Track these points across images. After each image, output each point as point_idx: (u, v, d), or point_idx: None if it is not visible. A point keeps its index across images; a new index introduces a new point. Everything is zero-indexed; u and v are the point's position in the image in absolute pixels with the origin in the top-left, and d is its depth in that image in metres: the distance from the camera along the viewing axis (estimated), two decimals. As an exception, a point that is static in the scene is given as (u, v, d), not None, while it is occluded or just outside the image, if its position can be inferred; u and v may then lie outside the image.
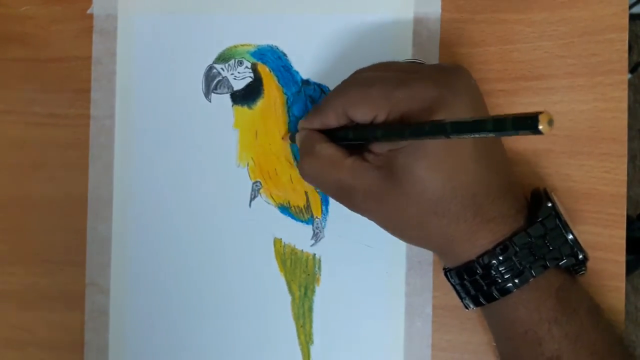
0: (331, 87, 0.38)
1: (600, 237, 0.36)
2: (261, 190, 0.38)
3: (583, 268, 0.32)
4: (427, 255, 0.37)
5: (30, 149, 0.40)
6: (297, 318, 0.38)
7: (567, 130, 0.36)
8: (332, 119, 0.32)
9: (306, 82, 0.38)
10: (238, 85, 0.38)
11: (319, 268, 0.38)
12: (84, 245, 0.40)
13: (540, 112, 0.19)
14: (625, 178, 0.36)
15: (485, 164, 0.30)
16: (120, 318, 0.39)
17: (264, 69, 0.38)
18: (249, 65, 0.38)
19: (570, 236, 0.30)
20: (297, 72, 0.38)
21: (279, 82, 0.38)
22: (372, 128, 0.30)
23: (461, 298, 0.33)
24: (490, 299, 0.31)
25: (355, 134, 0.31)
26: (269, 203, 0.38)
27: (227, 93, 0.39)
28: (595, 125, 0.36)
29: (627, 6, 0.36)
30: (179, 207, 0.39)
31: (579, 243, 0.31)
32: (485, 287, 0.31)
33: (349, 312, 0.38)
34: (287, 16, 0.38)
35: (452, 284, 0.33)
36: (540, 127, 0.19)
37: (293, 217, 0.38)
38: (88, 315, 0.39)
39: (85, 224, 0.40)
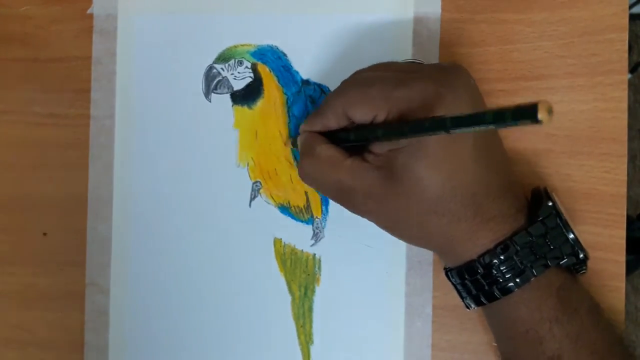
0: (331, 87, 0.38)
1: (600, 237, 0.36)
2: (261, 190, 0.38)
3: (584, 267, 0.32)
4: (427, 255, 0.37)
5: (30, 149, 0.40)
6: (297, 318, 0.38)
7: (567, 130, 0.36)
8: (332, 120, 0.32)
9: (306, 82, 0.38)
10: (238, 85, 0.38)
11: (319, 268, 0.38)
12: (84, 245, 0.40)
13: (539, 102, 0.19)
14: (626, 178, 0.36)
15: (485, 163, 0.30)
16: (120, 318, 0.39)
17: (264, 69, 0.38)
18: (249, 65, 0.38)
19: (571, 235, 0.31)
20: (297, 72, 0.38)
21: (279, 82, 0.38)
22: (372, 128, 0.30)
23: (462, 298, 0.33)
24: (491, 298, 0.31)
25: (356, 135, 0.31)
26: (269, 203, 0.38)
27: (227, 93, 0.39)
28: (595, 125, 0.36)
29: (627, 6, 0.36)
30: (179, 207, 0.39)
31: (579, 242, 0.31)
32: (486, 287, 0.31)
33: (349, 312, 0.38)
34: (287, 16, 0.38)
35: (453, 283, 0.33)
36: (540, 116, 0.19)
37: (293, 217, 0.38)
38: (88, 315, 0.39)
39: (85, 224, 0.40)
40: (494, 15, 0.37)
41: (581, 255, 0.31)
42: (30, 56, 0.40)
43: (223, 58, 0.39)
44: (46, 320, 0.40)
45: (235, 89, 0.39)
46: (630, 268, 0.37)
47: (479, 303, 0.32)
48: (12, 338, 0.40)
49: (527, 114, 0.20)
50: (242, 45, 0.39)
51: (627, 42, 0.36)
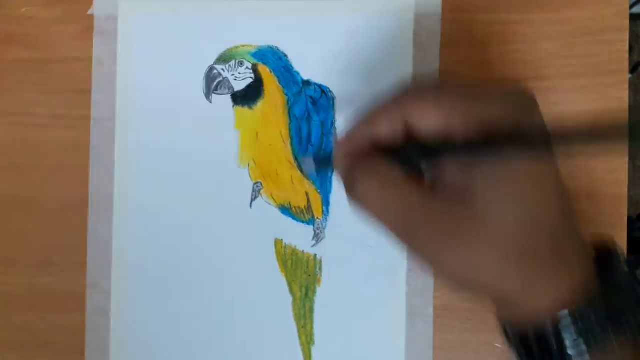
0: (332, 88, 0.38)
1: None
2: (262, 191, 0.38)
3: None
4: (428, 256, 0.37)
5: (31, 150, 0.40)
6: (298, 319, 0.38)
7: (568, 130, 0.36)
8: (384, 129, 0.25)
9: (307, 83, 0.38)
10: (239, 86, 0.38)
11: (320, 269, 0.38)
12: (85, 247, 0.40)
13: None
14: (626, 179, 0.36)
15: (565, 198, 0.25)
16: (122, 319, 0.39)
17: (264, 70, 0.38)
18: (250, 66, 0.38)
19: None
20: (298, 73, 0.38)
21: (279, 82, 0.38)
22: (454, 142, 0.24)
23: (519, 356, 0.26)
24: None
25: (429, 149, 0.24)
26: (269, 204, 0.38)
27: (227, 94, 0.39)
28: (596, 126, 0.36)
29: (628, 6, 0.36)
30: (180, 208, 0.39)
31: None
32: (555, 350, 0.24)
33: (350, 312, 0.38)
34: (288, 17, 0.38)
35: (507, 338, 0.27)
36: None
37: (294, 217, 0.38)
38: (89, 316, 0.39)
39: (86, 225, 0.40)
40: (494, 16, 0.37)
41: None
42: (31, 57, 0.40)
43: (224, 59, 0.39)
44: (47, 322, 0.40)
45: (235, 89, 0.39)
46: (630, 268, 0.37)
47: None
48: (13, 339, 0.40)
49: None
50: (242, 46, 0.39)
51: (627, 42, 0.36)
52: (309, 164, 0.37)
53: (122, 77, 0.39)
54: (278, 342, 0.38)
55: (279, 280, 0.38)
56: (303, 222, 0.38)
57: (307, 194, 0.38)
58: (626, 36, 0.36)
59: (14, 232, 0.40)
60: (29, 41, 0.40)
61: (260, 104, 0.38)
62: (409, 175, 0.25)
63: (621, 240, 0.36)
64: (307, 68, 0.38)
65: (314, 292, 0.38)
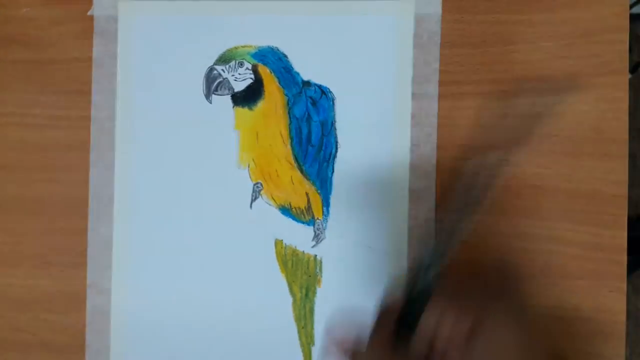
0: (332, 88, 0.38)
1: (602, 238, 0.36)
2: (262, 192, 0.38)
3: None
4: (428, 256, 0.37)
5: (31, 150, 0.40)
6: (298, 319, 0.38)
7: (568, 131, 0.36)
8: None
9: (307, 83, 0.38)
10: (239, 86, 0.38)
11: (320, 269, 0.38)
12: (85, 247, 0.40)
13: None
14: (627, 179, 0.36)
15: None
16: (122, 319, 0.39)
17: (264, 70, 0.38)
18: (250, 66, 0.38)
19: None
20: (298, 73, 0.38)
21: (279, 83, 0.38)
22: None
23: None
24: None
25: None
26: (270, 204, 0.38)
27: (227, 94, 0.39)
28: (596, 126, 0.36)
29: (628, 6, 0.36)
30: (180, 209, 0.39)
31: None
32: None
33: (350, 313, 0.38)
34: (288, 18, 0.38)
35: None
36: None
37: (294, 218, 0.38)
38: (89, 316, 0.39)
39: (87, 226, 0.40)
40: (494, 16, 0.37)
41: None
42: (31, 58, 0.40)
43: (224, 59, 0.39)
44: (47, 322, 0.40)
45: (235, 90, 0.38)
46: (631, 268, 0.37)
47: None
48: (13, 340, 0.40)
49: None
50: (242, 47, 0.39)
51: (627, 42, 0.36)
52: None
53: (122, 78, 0.39)
54: (278, 342, 0.38)
55: (279, 281, 0.38)
56: (303, 222, 0.38)
57: (307, 194, 0.38)
58: (626, 36, 0.36)
59: (14, 232, 0.40)
60: (29, 41, 0.40)
61: (260, 105, 0.38)
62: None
63: (622, 240, 0.36)
64: (308, 69, 0.38)
65: (314, 292, 0.38)
